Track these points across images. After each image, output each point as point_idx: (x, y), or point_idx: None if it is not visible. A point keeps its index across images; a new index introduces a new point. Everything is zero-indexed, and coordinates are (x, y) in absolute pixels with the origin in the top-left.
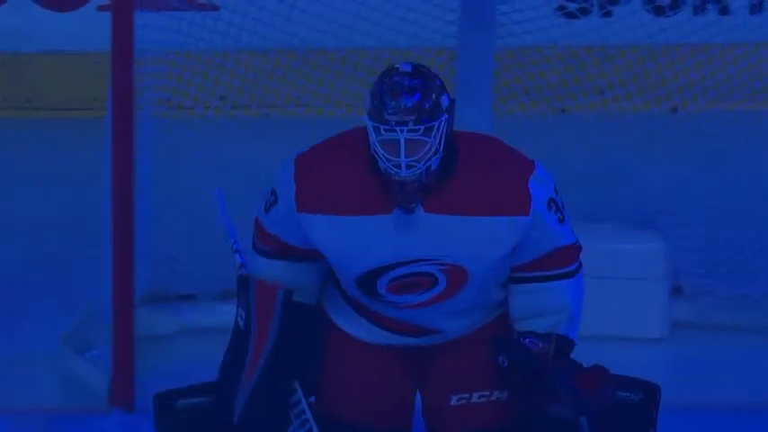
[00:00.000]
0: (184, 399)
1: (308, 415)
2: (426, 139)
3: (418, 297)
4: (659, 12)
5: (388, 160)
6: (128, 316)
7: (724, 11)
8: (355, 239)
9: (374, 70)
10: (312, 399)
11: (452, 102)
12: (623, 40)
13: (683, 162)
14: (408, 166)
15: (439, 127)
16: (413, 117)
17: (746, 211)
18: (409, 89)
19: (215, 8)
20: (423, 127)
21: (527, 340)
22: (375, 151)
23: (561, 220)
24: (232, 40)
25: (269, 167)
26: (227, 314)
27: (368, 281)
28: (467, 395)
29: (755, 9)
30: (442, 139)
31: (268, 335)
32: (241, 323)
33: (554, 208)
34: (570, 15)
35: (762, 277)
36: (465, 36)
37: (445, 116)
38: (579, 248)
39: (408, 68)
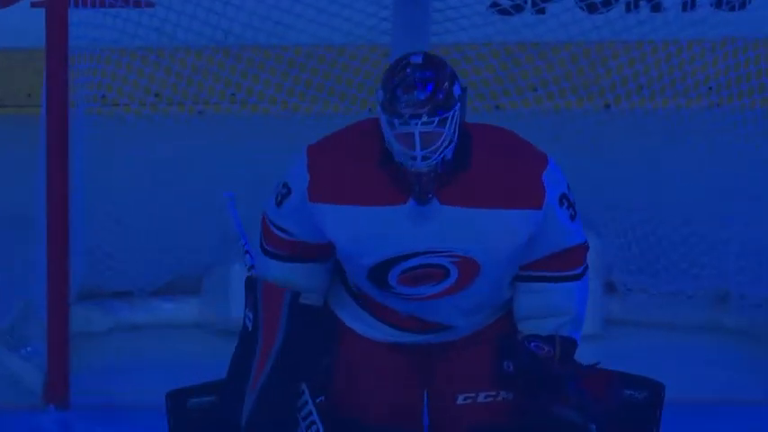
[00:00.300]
0: (196, 398)
1: (315, 417)
2: (441, 130)
3: (429, 289)
4: (592, 9)
5: (403, 153)
6: (62, 313)
7: (656, 8)
8: (368, 230)
9: (308, 67)
10: (320, 399)
11: (464, 90)
12: (557, 37)
13: (617, 159)
14: (424, 158)
15: (453, 117)
16: (426, 110)
17: (680, 208)
18: (422, 81)
19: (150, 5)
20: (437, 119)
21: (532, 344)
22: (390, 144)
23: (573, 217)
24: (167, 37)
25: (204, 164)
26: (162, 311)
27: (379, 272)
28: (473, 395)
29: (687, 6)
30: (456, 129)
31: (275, 337)
32: (249, 325)
33: (566, 204)
34: (504, 12)
35: (694, 274)
36: (399, 33)
37: (458, 105)
38: (587, 249)
39: (419, 60)
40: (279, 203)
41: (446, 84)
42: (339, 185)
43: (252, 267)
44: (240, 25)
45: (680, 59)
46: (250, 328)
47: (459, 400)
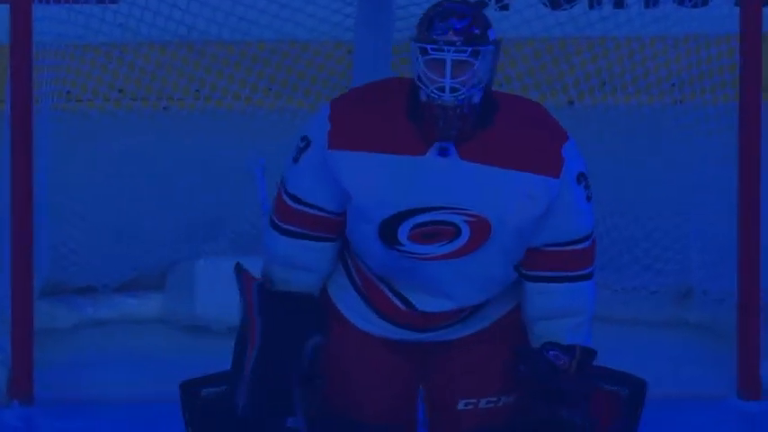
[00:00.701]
0: (209, 387)
1: (297, 409)
2: (473, 60)
3: (439, 248)
4: (555, 5)
5: (432, 83)
6: (27, 308)
7: (619, 4)
8: (385, 179)
9: (272, 63)
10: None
11: (499, 41)
12: (520, 33)
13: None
14: (452, 90)
15: (486, 54)
16: (461, 38)
17: (643, 203)
18: (460, 14)
19: (114, 1)
20: (470, 49)
21: (550, 353)
22: (419, 77)
23: (589, 198)
24: (131, 32)
25: (168, 159)
26: (126, 306)
27: (390, 227)
28: (474, 400)
29: (650, 3)
30: (488, 71)
31: (256, 326)
32: (241, 312)
33: (584, 183)
34: None
35: (658, 270)
36: (362, 29)
37: (493, 47)
38: (595, 246)
39: None
40: (296, 159)
41: (483, 22)
42: (360, 133)
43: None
44: (204, 21)
45: (643, 56)
46: (242, 317)
47: (461, 406)
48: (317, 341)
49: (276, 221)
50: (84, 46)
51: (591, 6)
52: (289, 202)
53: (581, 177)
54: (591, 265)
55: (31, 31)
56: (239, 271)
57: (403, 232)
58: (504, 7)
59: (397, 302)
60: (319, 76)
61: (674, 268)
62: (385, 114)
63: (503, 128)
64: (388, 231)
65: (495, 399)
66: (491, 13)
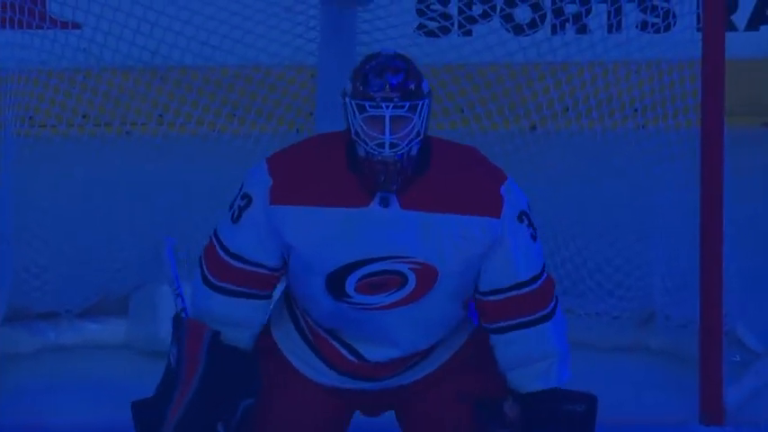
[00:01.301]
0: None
1: None
2: (411, 116)
3: (386, 298)
4: (518, 31)
5: (371, 139)
6: None
7: (582, 29)
8: (330, 232)
9: (235, 87)
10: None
11: (431, 92)
12: (482, 58)
13: (543, 181)
14: (392, 145)
15: (422, 108)
16: (398, 94)
17: (606, 228)
18: (394, 69)
19: (77, 26)
20: (408, 104)
21: (505, 404)
22: (357, 133)
23: (534, 237)
24: (94, 57)
25: (131, 184)
26: (88, 332)
27: (337, 279)
28: None
29: (613, 28)
30: (424, 123)
31: (194, 374)
32: (172, 361)
33: (527, 221)
34: (430, 34)
35: (620, 295)
36: (325, 54)
37: (428, 99)
38: (553, 282)
39: (391, 52)
40: (236, 218)
41: (416, 75)
42: (302, 187)
43: (183, 310)
44: (167, 46)
45: (605, 81)
46: (173, 364)
47: None
48: (250, 404)
49: (210, 279)
50: (47, 71)
51: (554, 32)
52: (228, 260)
53: (522, 216)
54: (548, 304)
55: None
56: (178, 318)
57: (350, 284)
58: (467, 33)
59: (346, 353)
60: (283, 100)
61: (637, 294)
62: (325, 168)
63: (439, 173)
64: (335, 284)
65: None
66: (453, 39)
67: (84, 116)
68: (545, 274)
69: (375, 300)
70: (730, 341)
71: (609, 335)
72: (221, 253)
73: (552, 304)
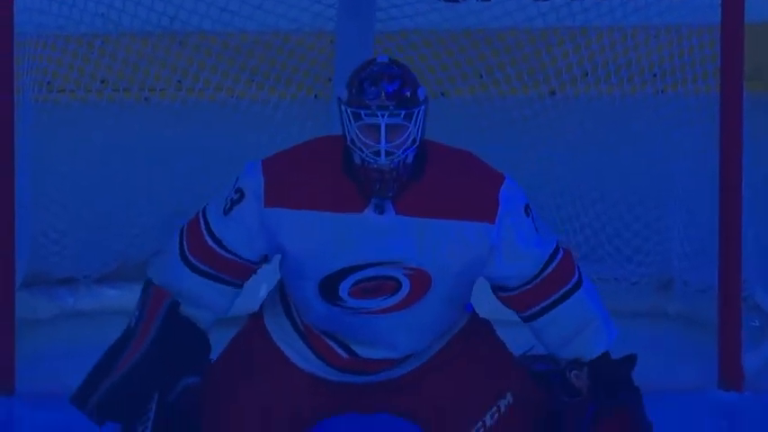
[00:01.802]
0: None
1: (150, 425)
2: (406, 124)
3: (380, 303)
4: None
5: (367, 147)
6: (9, 299)
7: None
8: (324, 237)
9: (254, 53)
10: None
11: (428, 98)
12: (502, 23)
13: (562, 146)
14: (388, 154)
15: (418, 115)
16: (393, 102)
17: (624, 194)
18: (389, 77)
19: None
20: (404, 112)
21: (572, 373)
22: (353, 141)
23: (537, 230)
24: (113, 23)
25: (150, 150)
26: (106, 298)
27: (331, 283)
28: (479, 423)
29: None
30: (420, 130)
31: (147, 337)
32: (132, 323)
33: (531, 216)
34: None
35: (638, 260)
36: (344, 20)
37: (423, 107)
38: (570, 254)
39: (386, 59)
40: (227, 210)
41: (412, 83)
42: (297, 191)
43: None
44: (186, 11)
45: (624, 46)
46: (132, 325)
47: None
48: (193, 382)
49: (188, 256)
50: (65, 36)
51: None
52: (210, 242)
53: (522, 212)
54: (573, 274)
55: (12, 21)
56: (149, 284)
57: (344, 289)
58: None
59: (339, 350)
60: (301, 66)
61: (655, 259)
62: (321, 172)
63: (435, 178)
64: (328, 288)
65: (493, 408)
66: (472, 4)
67: (102, 81)
68: (562, 249)
69: (369, 304)
70: (749, 306)
71: (627, 300)
72: (205, 234)
73: (578, 273)
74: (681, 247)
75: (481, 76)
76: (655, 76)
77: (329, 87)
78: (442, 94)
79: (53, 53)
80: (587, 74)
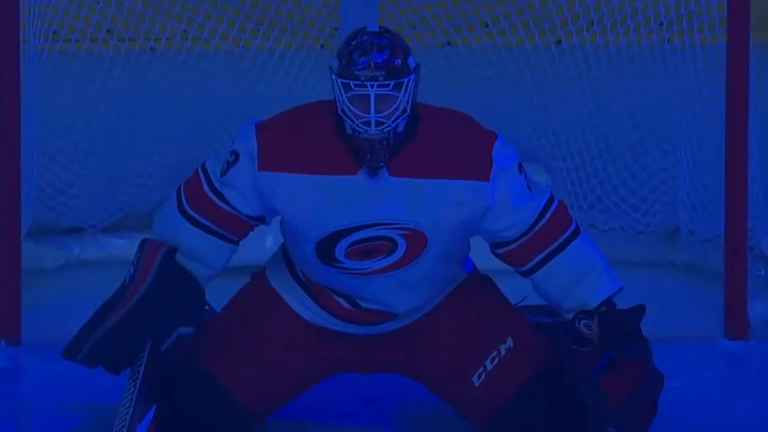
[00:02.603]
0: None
1: (141, 371)
2: (396, 94)
3: (377, 263)
4: None
5: (357, 117)
6: (15, 248)
7: None
8: (319, 199)
9: (260, 2)
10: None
11: (418, 66)
12: None
13: (568, 95)
14: (378, 123)
15: (407, 85)
16: (383, 72)
17: (630, 144)
18: (379, 46)
19: None
20: (393, 82)
21: (582, 323)
22: (343, 111)
23: (530, 186)
24: None
25: (156, 100)
26: (112, 247)
27: (327, 246)
28: (480, 367)
29: None
30: (411, 99)
31: (143, 283)
32: (127, 279)
33: (523, 174)
34: None
35: (644, 210)
36: None
37: (413, 76)
38: (564, 206)
39: (376, 29)
40: (224, 172)
41: (402, 52)
42: (291, 154)
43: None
44: None
45: None
46: (126, 282)
47: (476, 381)
48: (186, 332)
49: (187, 208)
50: None
51: None
52: (210, 194)
53: (515, 170)
54: (570, 224)
55: None
56: (145, 241)
57: (340, 250)
58: None
59: (343, 302)
60: (308, 15)
61: (661, 209)
62: (314, 136)
63: (428, 140)
64: (325, 250)
65: (493, 353)
66: None
67: (108, 31)
68: (556, 200)
69: (365, 265)
70: (755, 256)
71: (633, 249)
72: (205, 186)
73: (574, 223)
74: (687, 196)
75: (486, 26)
76: (661, 24)
77: (335, 37)
78: (449, 44)
79: (59, 3)
80: (593, 23)
